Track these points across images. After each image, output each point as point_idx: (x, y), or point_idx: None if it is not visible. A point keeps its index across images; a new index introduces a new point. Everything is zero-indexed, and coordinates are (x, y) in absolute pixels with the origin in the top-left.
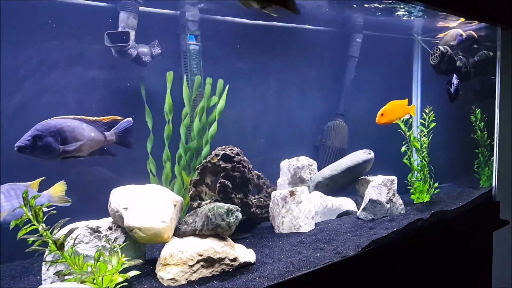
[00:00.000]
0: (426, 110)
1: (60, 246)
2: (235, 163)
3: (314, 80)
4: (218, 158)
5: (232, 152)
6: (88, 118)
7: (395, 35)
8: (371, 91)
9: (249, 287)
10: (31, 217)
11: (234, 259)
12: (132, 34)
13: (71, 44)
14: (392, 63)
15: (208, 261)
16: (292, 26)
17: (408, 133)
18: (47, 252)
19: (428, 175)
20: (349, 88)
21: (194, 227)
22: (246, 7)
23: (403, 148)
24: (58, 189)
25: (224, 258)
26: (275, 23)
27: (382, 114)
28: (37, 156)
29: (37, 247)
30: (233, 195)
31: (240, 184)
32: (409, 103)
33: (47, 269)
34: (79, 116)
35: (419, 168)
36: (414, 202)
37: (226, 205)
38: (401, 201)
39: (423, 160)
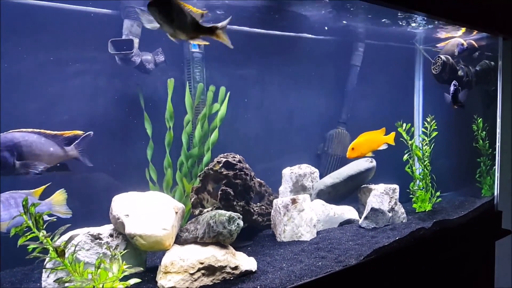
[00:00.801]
0: (428, 119)
1: (60, 253)
2: (237, 171)
3: (316, 88)
4: (220, 165)
5: (234, 160)
6: (48, 132)
7: (397, 44)
8: (373, 100)
9: None
10: (31, 224)
11: (236, 267)
12: (136, 41)
13: (74, 51)
14: (394, 72)
15: (209, 269)
16: (294, 35)
17: (410, 142)
18: (47, 259)
19: (430, 184)
20: (351, 96)
21: (196, 234)
22: (174, 39)
23: (405, 157)
24: (59, 198)
25: (225, 266)
26: (277, 32)
27: (353, 148)
28: None
29: (38, 254)
30: (234, 203)
31: (242, 192)
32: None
33: (47, 276)
34: (38, 130)
35: (421, 177)
36: (416, 211)
37: (228, 213)
38: (403, 210)
39: (425, 169)
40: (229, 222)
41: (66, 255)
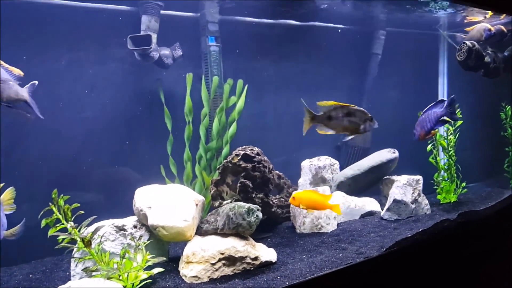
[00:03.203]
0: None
1: (87, 243)
2: (256, 163)
3: (335, 78)
4: (239, 158)
5: (252, 152)
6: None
7: (419, 31)
8: (394, 89)
9: (271, 286)
10: (60, 216)
11: (255, 258)
12: (154, 37)
13: (94, 47)
14: (416, 60)
15: (230, 260)
16: (313, 24)
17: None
18: (75, 249)
19: (455, 175)
20: (372, 85)
21: (216, 226)
22: None
23: (429, 147)
24: (6, 197)
25: (245, 257)
26: (295, 22)
27: (293, 197)
28: None
29: (66, 244)
30: (253, 195)
31: (261, 184)
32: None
33: (76, 266)
34: None
35: (445, 167)
36: (441, 202)
37: (247, 205)
38: (426, 201)
39: (450, 159)
40: (248, 214)
41: (93, 246)
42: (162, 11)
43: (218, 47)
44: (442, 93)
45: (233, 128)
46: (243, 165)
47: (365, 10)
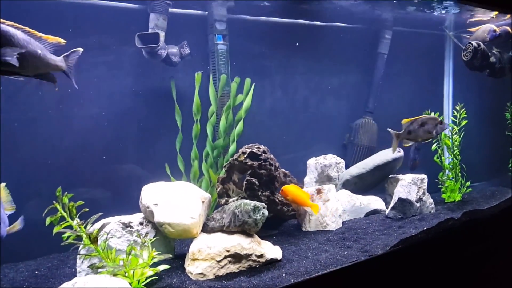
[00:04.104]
0: (457, 107)
1: (93, 240)
2: (262, 161)
3: (342, 77)
4: (245, 156)
5: (259, 150)
6: (33, 31)
7: (425, 31)
8: (400, 88)
9: (276, 284)
10: (65, 214)
11: (261, 256)
12: (162, 35)
13: (101, 44)
14: (422, 60)
15: (235, 257)
16: (320, 24)
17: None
18: (81, 246)
19: (460, 174)
20: (378, 85)
21: (222, 223)
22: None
23: (434, 146)
24: (4, 193)
25: (251, 254)
26: (302, 21)
27: (282, 189)
28: None
29: (72, 241)
30: (259, 193)
31: (267, 182)
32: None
33: (82, 262)
34: (18, 25)
35: (450, 166)
36: (445, 201)
37: (253, 202)
38: (431, 200)
39: (455, 159)
40: (254, 211)
41: (99, 242)
42: (170, 9)
43: (225, 46)
44: (448, 93)
45: (240, 126)
46: (249, 163)
47: (372, 9)
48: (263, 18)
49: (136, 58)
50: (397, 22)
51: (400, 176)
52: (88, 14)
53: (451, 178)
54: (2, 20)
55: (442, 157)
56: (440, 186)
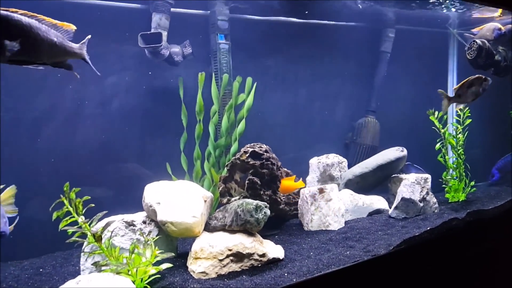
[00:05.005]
0: (461, 106)
1: (98, 238)
2: (264, 160)
3: (344, 76)
4: (247, 155)
5: (260, 150)
6: (48, 19)
7: (429, 29)
8: (404, 87)
9: (278, 283)
10: (71, 209)
11: (263, 255)
12: (165, 34)
13: (106, 44)
14: (426, 58)
15: (237, 256)
16: (322, 23)
17: (442, 130)
18: (85, 243)
19: (464, 173)
20: (381, 84)
21: (224, 222)
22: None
23: (438, 146)
24: (6, 196)
25: (253, 253)
26: (304, 20)
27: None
28: None
29: (77, 239)
30: (261, 192)
31: (269, 181)
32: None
33: (85, 260)
34: (33, 14)
35: (454, 166)
36: (449, 201)
37: (255, 202)
38: (435, 200)
39: (459, 158)
40: (256, 210)
41: (103, 241)
42: (172, 9)
43: (227, 45)
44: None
45: (241, 126)
46: (251, 162)
47: (374, 7)
48: (265, 17)
49: (138, 58)
50: (400, 20)
51: (403, 176)
52: (91, 15)
53: (455, 177)
54: (14, 10)
55: (446, 157)
56: (444, 185)
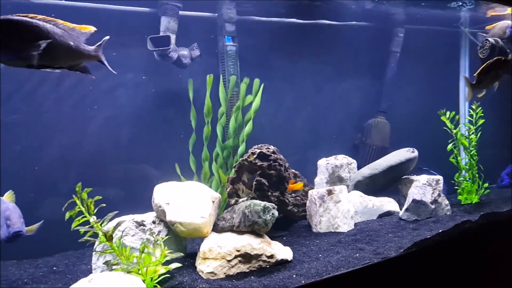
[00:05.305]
0: (473, 106)
1: (109, 237)
2: (271, 162)
3: (353, 76)
4: (255, 156)
5: (268, 151)
6: (64, 22)
7: (440, 28)
8: (414, 87)
9: (287, 284)
10: (83, 209)
11: (271, 256)
12: (173, 37)
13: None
14: (437, 58)
15: (246, 257)
16: (330, 23)
17: (454, 131)
18: (97, 243)
19: (477, 175)
20: (391, 84)
21: (232, 223)
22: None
23: (449, 146)
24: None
25: (261, 254)
26: (312, 21)
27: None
28: None
29: (89, 238)
30: (269, 193)
31: (277, 182)
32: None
33: (97, 259)
34: (49, 18)
35: (467, 167)
36: (462, 203)
37: (263, 203)
38: (447, 202)
39: (472, 159)
40: (264, 212)
41: (114, 240)
42: (180, 12)
43: (235, 47)
44: (464, 91)
45: (249, 127)
46: (259, 164)
47: (384, 7)
48: (273, 18)
49: (147, 60)
50: (410, 19)
51: (414, 177)
52: (102, 19)
53: (467, 179)
54: (31, 15)
55: (458, 158)
56: (456, 187)
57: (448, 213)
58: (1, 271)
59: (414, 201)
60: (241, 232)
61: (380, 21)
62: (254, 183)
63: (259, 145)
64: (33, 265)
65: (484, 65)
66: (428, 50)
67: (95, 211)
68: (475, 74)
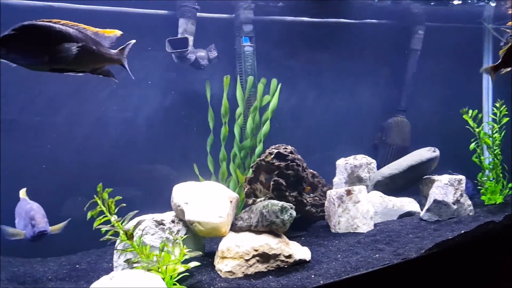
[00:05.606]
0: (497, 104)
1: (129, 236)
2: (289, 162)
3: (372, 75)
4: (272, 156)
5: (285, 151)
6: (88, 27)
7: (462, 25)
8: (435, 85)
9: (305, 284)
10: (104, 209)
11: (289, 256)
12: (191, 39)
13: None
14: (458, 55)
15: (264, 257)
16: (348, 21)
17: (477, 130)
18: (118, 241)
19: (501, 174)
20: (411, 82)
21: (250, 223)
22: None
23: (472, 146)
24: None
25: (279, 254)
26: (330, 20)
27: None
28: (16, 61)
29: (110, 237)
30: (287, 193)
31: (294, 183)
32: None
33: (118, 257)
34: (72, 23)
35: (490, 167)
36: (485, 204)
37: (280, 203)
38: (469, 202)
39: (495, 158)
40: (282, 212)
41: (134, 239)
42: (198, 14)
43: (252, 47)
44: (487, 89)
45: (266, 127)
46: (276, 164)
47: (403, 5)
48: (290, 17)
49: (166, 62)
50: (431, 16)
51: (435, 177)
52: (121, 21)
53: (491, 179)
54: (55, 20)
55: (482, 157)
56: (479, 187)
57: (471, 213)
58: (11, 268)
59: (435, 201)
60: (259, 232)
61: (400, 19)
62: (272, 183)
63: (277, 145)
64: (57, 263)
65: (504, 48)
66: (449, 47)
67: (115, 211)
68: (500, 52)
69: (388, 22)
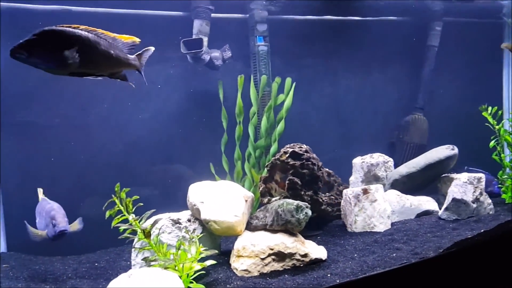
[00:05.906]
0: None
1: (147, 235)
2: (304, 161)
3: (389, 73)
4: (287, 155)
5: (300, 150)
6: (106, 32)
7: (481, 20)
8: (453, 82)
9: (321, 283)
10: (122, 208)
11: (305, 255)
12: (205, 40)
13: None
14: (477, 51)
15: (279, 256)
16: (364, 19)
17: (497, 127)
18: (136, 240)
19: None
20: (429, 79)
21: (265, 222)
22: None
23: (492, 143)
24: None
25: (295, 253)
26: (345, 17)
27: None
28: (37, 65)
29: (128, 235)
30: (302, 192)
31: (310, 182)
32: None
33: (136, 256)
34: (91, 28)
35: (511, 164)
36: (506, 202)
37: (296, 202)
38: (489, 201)
39: None
40: (297, 211)
41: (151, 237)
42: (212, 14)
43: (266, 47)
44: (508, 85)
45: (281, 126)
46: (291, 163)
47: (420, 1)
48: (304, 16)
49: (180, 63)
50: (448, 12)
51: (454, 175)
52: (138, 23)
53: None
54: (75, 26)
55: (502, 155)
56: (500, 186)
57: (491, 212)
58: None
59: (454, 200)
60: (274, 231)
61: (416, 15)
62: (287, 182)
63: (292, 144)
64: (77, 261)
65: None
66: (468, 43)
67: (133, 210)
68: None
69: (405, 18)
